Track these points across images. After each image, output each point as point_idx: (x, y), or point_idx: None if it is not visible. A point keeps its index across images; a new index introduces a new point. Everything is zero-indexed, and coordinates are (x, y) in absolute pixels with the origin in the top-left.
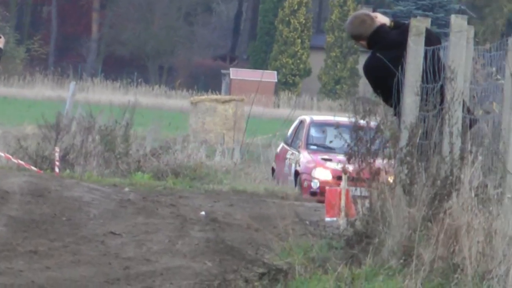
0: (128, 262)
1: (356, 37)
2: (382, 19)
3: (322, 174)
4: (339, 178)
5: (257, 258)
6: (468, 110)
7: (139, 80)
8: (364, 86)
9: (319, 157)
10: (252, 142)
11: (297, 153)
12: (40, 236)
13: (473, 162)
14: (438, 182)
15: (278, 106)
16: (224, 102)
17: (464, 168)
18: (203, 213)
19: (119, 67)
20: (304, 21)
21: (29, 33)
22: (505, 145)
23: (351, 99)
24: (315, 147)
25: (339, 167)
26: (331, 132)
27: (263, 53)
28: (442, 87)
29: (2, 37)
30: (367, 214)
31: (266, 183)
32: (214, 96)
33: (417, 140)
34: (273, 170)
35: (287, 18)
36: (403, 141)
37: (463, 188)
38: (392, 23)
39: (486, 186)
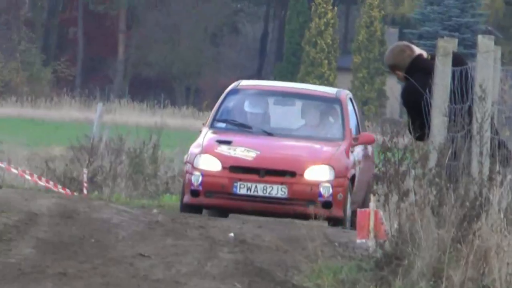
0: (157, 284)
1: (393, 67)
2: (420, 51)
3: (208, 164)
4: (234, 169)
5: (286, 280)
6: (496, 132)
7: (166, 101)
8: (391, 108)
9: (215, 138)
10: None
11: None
12: (69, 258)
13: (501, 183)
14: (467, 203)
15: None
16: None
17: (492, 189)
18: (231, 234)
19: (146, 88)
20: (331, 42)
21: (56, 55)
22: None
23: (379, 120)
24: (223, 125)
25: (238, 152)
26: (263, 104)
27: (290, 74)
28: (470, 107)
29: None
30: (396, 236)
31: None
32: None
33: (446, 161)
34: None
35: (313, 39)
36: (432, 162)
37: (492, 209)
38: (429, 56)
39: None
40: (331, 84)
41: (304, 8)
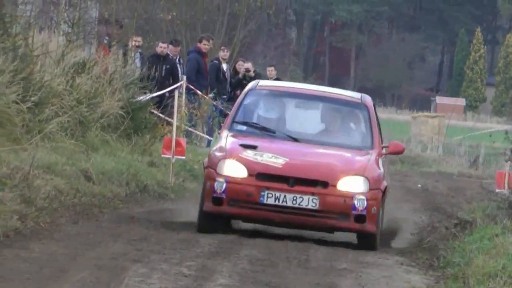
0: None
1: None
2: None
3: (233, 170)
4: (261, 177)
5: (453, 214)
6: None
7: (380, 103)
8: None
9: (238, 142)
10: (450, 142)
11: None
12: None
13: None
14: None
15: (465, 120)
16: (433, 117)
17: None
18: (419, 185)
19: (368, 94)
20: (482, 67)
21: (311, 73)
22: None
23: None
24: (243, 128)
25: (264, 158)
26: (285, 107)
27: (457, 87)
28: None
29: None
30: None
31: (458, 167)
32: (427, 113)
33: None
34: None
35: (471, 66)
36: None
37: None
38: None
39: None
40: (482, 94)
41: (466, 46)
